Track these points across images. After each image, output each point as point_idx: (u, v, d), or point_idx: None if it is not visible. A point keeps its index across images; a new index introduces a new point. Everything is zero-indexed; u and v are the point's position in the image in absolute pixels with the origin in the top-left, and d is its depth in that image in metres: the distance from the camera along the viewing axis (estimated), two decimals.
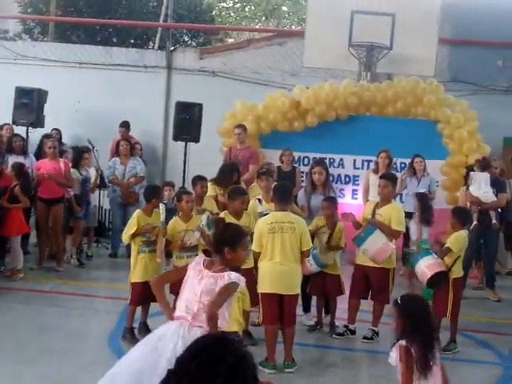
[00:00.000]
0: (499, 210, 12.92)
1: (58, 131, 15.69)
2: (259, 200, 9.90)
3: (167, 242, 9.28)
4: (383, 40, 15.22)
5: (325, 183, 11.00)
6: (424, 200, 11.59)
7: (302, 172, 14.44)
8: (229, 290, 5.79)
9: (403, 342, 5.53)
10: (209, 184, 11.16)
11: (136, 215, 9.38)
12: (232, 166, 11.71)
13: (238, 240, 5.99)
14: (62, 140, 15.75)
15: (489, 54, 17.02)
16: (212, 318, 5.63)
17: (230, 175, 11.09)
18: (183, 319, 5.78)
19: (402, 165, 14.80)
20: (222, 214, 9.37)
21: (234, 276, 5.79)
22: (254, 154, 14.21)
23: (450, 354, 9.31)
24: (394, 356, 5.60)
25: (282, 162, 14.09)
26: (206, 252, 6.23)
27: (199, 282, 5.82)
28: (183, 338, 5.59)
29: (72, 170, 13.35)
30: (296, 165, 14.63)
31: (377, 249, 9.41)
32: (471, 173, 12.63)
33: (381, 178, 10.06)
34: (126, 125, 15.98)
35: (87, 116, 17.07)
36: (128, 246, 9.98)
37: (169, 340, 5.63)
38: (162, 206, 9.37)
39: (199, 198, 10.08)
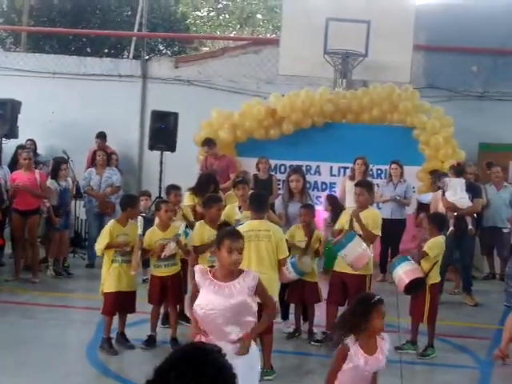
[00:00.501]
0: (475, 215, 12.98)
1: (33, 142, 15.62)
2: (239, 207, 9.90)
3: (144, 251, 9.24)
4: (358, 47, 15.24)
5: (302, 191, 11.00)
6: (335, 202, 12.50)
7: (279, 180, 14.47)
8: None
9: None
10: (187, 193, 11.19)
11: (109, 226, 9.32)
12: (209, 175, 11.74)
13: (220, 240, 5.95)
14: (37, 151, 15.68)
15: (463, 60, 17.14)
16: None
17: (207, 185, 11.13)
18: None
19: (379, 171, 14.88)
20: (197, 224, 9.38)
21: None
22: (231, 162, 14.22)
23: (428, 359, 9.37)
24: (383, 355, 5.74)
25: (259, 170, 14.07)
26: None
27: None
28: None
29: (51, 180, 13.29)
30: (272, 173, 14.62)
31: (356, 255, 9.40)
32: (446, 179, 12.67)
33: (356, 185, 10.06)
34: (101, 135, 15.92)
35: (62, 126, 16.97)
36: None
37: None
38: (139, 219, 9.33)
39: (174, 207, 10.06)
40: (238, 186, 10.47)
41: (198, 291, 5.88)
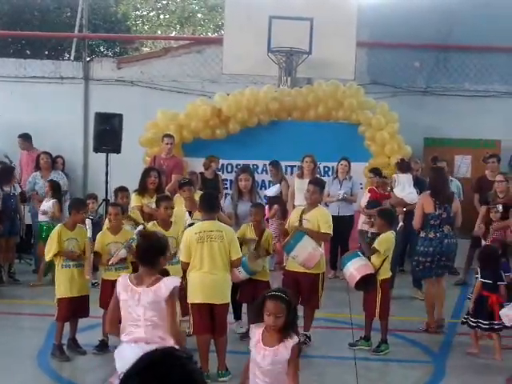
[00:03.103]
0: None
1: None
2: (189, 212, 9.85)
3: (94, 254, 9.11)
4: (302, 45, 15.27)
5: (251, 190, 10.97)
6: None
7: (226, 179, 14.44)
8: (174, 297, 5.96)
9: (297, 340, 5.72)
10: (133, 195, 11.09)
11: (56, 230, 9.19)
12: (146, 169, 11.85)
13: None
14: None
15: (406, 56, 17.28)
16: (178, 335, 5.92)
17: (143, 178, 11.36)
18: (137, 340, 5.89)
19: (326, 169, 14.89)
20: (149, 225, 9.30)
21: (169, 282, 5.94)
22: (177, 163, 14.08)
23: (382, 355, 9.41)
24: (285, 354, 5.69)
25: (206, 169, 13.96)
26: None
27: (138, 303, 5.87)
28: None
29: None
30: (219, 172, 14.54)
31: (306, 255, 9.40)
32: (394, 175, 12.79)
33: (310, 183, 10.04)
34: (23, 136, 15.77)
35: (3, 130, 16.63)
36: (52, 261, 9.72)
37: None
38: (88, 222, 9.19)
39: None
40: (183, 188, 10.45)
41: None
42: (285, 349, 5.68)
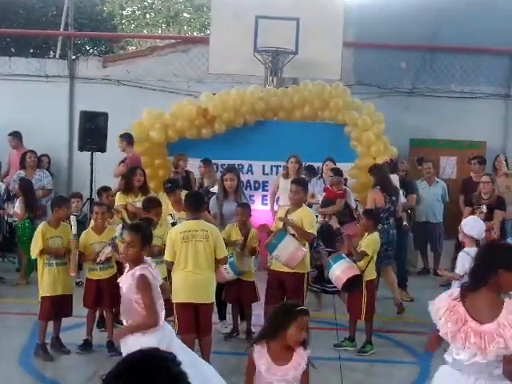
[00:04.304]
0: (409, 211, 13.09)
1: None
2: (171, 215, 9.84)
3: (79, 253, 9.06)
4: (288, 45, 15.23)
5: (237, 190, 10.94)
6: None
7: None
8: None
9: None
10: (117, 194, 11.05)
11: (40, 228, 9.13)
12: (132, 168, 11.82)
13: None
14: None
15: (392, 57, 17.24)
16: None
17: (129, 176, 11.33)
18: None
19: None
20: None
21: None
22: (133, 160, 13.71)
23: (367, 355, 9.41)
24: (303, 365, 5.49)
25: (176, 168, 13.86)
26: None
27: None
28: None
29: None
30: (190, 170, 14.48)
31: (289, 254, 9.36)
32: None
33: (292, 183, 10.00)
34: (13, 133, 15.68)
35: None
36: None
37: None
38: (72, 218, 9.13)
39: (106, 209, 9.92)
40: (169, 194, 10.51)
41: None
42: (302, 360, 5.40)
